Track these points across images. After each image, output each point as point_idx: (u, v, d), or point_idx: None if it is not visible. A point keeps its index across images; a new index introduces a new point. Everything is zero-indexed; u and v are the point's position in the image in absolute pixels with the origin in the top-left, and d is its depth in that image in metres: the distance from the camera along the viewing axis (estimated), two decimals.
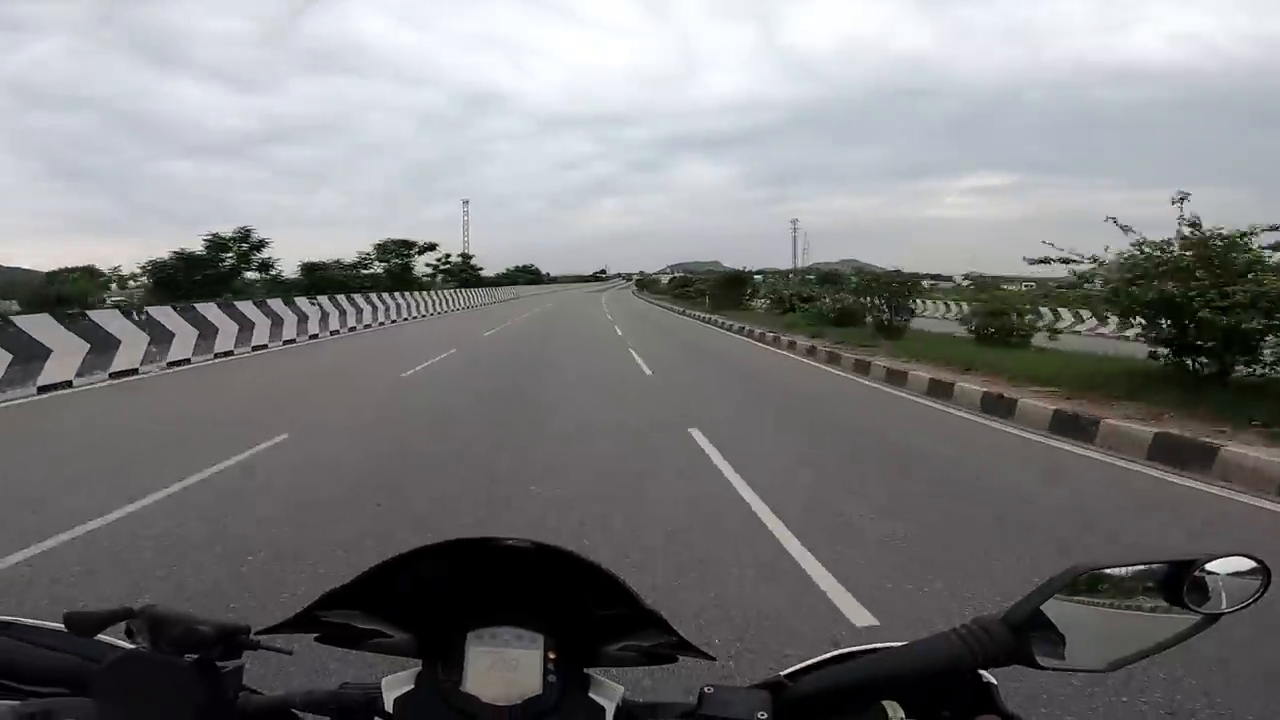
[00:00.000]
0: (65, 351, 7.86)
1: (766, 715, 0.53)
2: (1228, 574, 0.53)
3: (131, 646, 0.55)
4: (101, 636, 0.56)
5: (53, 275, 27.83)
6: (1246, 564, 0.53)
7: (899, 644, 0.56)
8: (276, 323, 12.87)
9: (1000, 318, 12.03)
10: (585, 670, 0.59)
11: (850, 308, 15.38)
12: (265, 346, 12.05)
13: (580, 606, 0.58)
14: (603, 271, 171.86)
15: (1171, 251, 6.41)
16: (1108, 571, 0.53)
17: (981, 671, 0.55)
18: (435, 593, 0.58)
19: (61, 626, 0.55)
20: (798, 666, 0.59)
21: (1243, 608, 0.53)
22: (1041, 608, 0.52)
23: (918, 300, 16.36)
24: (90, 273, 31.94)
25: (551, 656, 0.57)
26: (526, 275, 58.90)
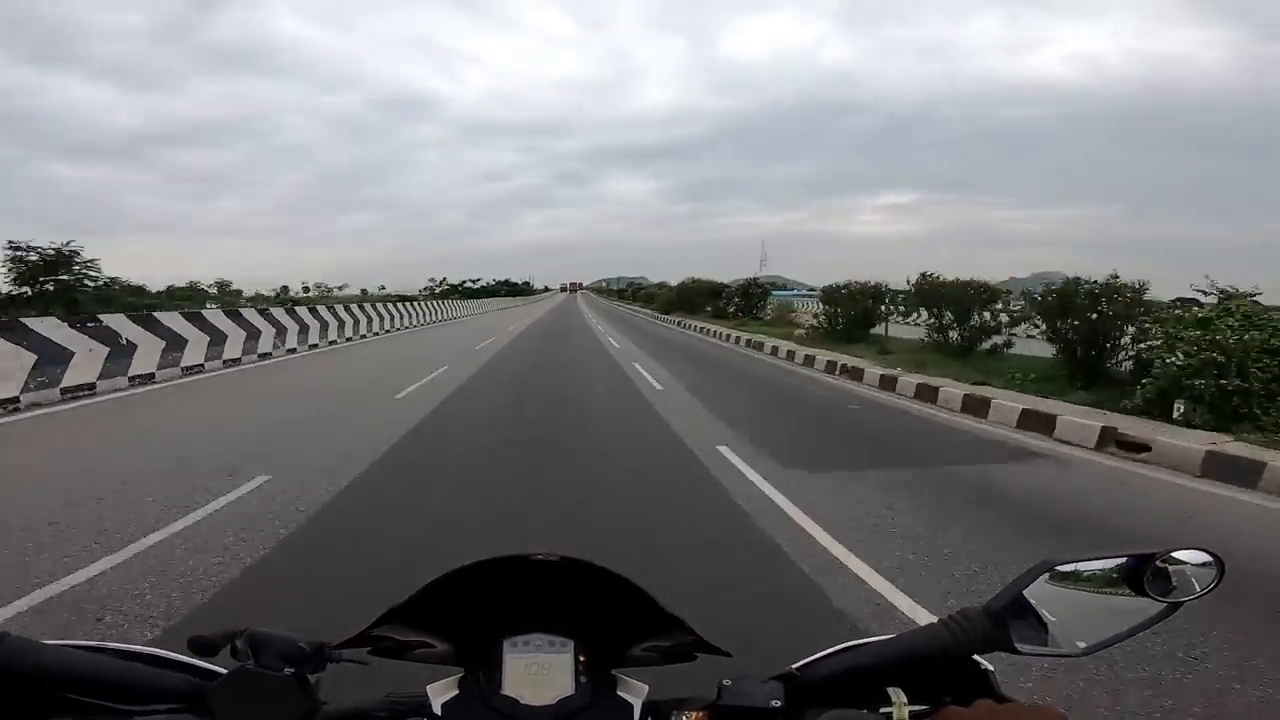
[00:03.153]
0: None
1: (780, 703, 0.60)
2: (1187, 566, 0.60)
3: (204, 664, 0.62)
4: (184, 658, 0.62)
5: None
6: (1203, 556, 0.60)
7: (895, 635, 0.65)
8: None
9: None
10: (612, 672, 0.66)
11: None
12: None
13: (606, 612, 0.65)
14: (527, 283, 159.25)
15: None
16: (1077, 566, 0.61)
17: (979, 659, 0.62)
18: (474, 605, 0.65)
19: (146, 649, 0.63)
20: (809, 659, 0.65)
21: (1201, 596, 0.60)
22: (1020, 598, 0.60)
23: None
24: None
25: (581, 659, 0.64)
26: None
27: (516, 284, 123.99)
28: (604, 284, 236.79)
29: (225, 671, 0.59)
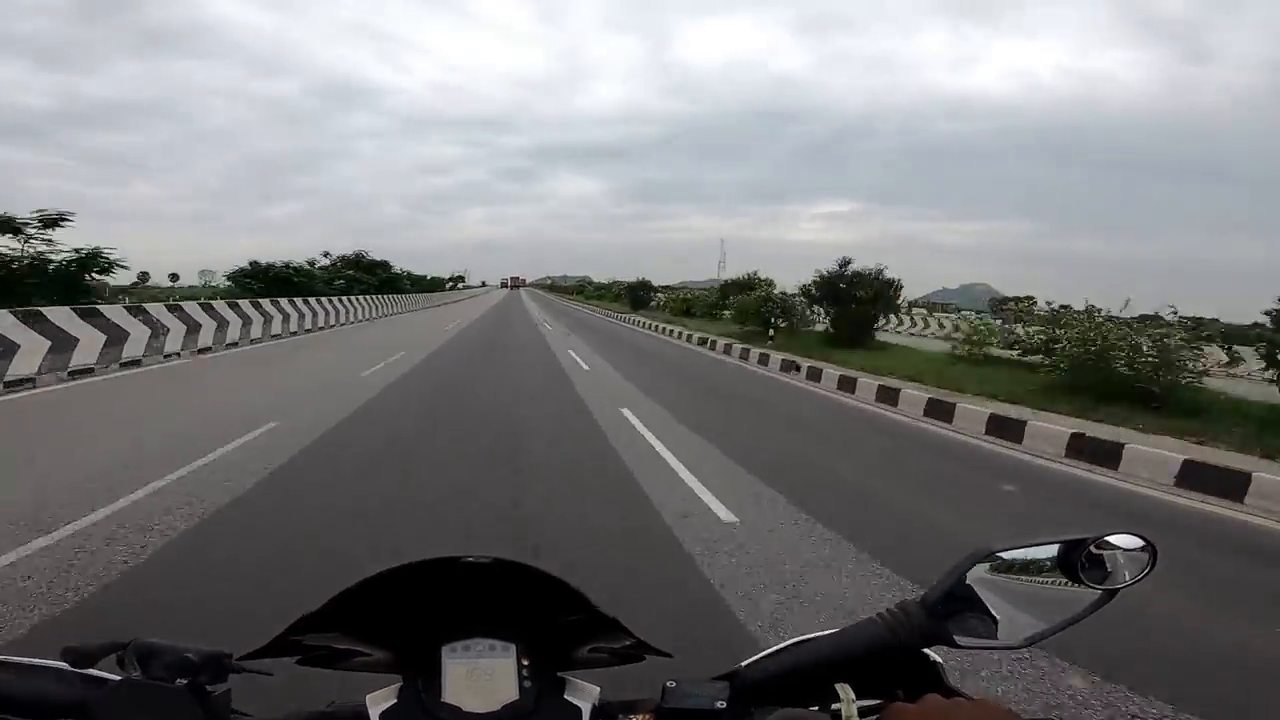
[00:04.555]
0: None
1: (724, 703, 0.61)
2: (1120, 551, 0.60)
3: (96, 673, 0.59)
4: (93, 670, 0.60)
5: None
6: (1135, 541, 0.61)
7: (836, 630, 0.64)
8: None
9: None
10: (559, 674, 0.65)
11: None
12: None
13: (546, 614, 0.63)
14: (460, 277, 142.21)
15: None
16: (1008, 554, 0.61)
17: (927, 651, 0.64)
18: (408, 610, 0.64)
19: (49, 663, 0.60)
20: (756, 658, 0.65)
21: (1136, 582, 0.60)
22: (957, 590, 0.60)
23: None
24: None
25: (525, 663, 0.63)
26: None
27: (395, 272, 45.99)
28: (548, 280, 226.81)
29: (114, 679, 0.57)
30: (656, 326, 26.33)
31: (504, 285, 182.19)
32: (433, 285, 67.25)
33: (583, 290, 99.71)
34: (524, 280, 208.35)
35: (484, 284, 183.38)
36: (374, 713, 0.60)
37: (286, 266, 29.79)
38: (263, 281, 29.01)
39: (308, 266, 38.10)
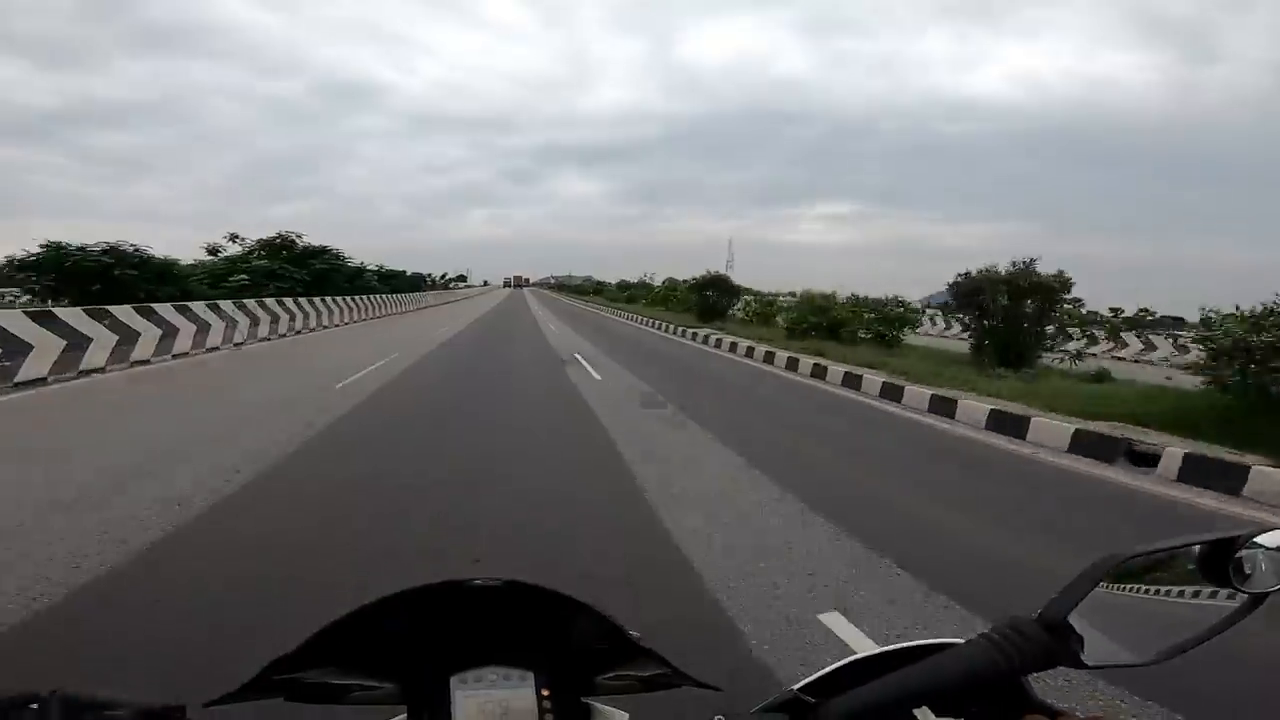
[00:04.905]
0: None
1: None
2: (1264, 550, 0.51)
3: None
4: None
5: None
6: None
7: (917, 644, 0.56)
8: None
9: None
10: (584, 700, 0.58)
11: None
12: None
13: (568, 640, 0.57)
14: (461, 278, 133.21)
15: None
16: (1143, 558, 0.52)
17: None
18: (413, 639, 0.57)
19: None
20: (810, 679, 0.58)
21: None
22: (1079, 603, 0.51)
23: None
24: None
25: (545, 693, 0.56)
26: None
27: (348, 264, 31.42)
28: (551, 280, 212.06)
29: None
30: (825, 371, 11.67)
31: (506, 285, 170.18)
32: (413, 284, 52.53)
33: (601, 290, 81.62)
34: (527, 280, 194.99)
35: (486, 283, 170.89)
36: None
37: (107, 251, 15.87)
38: (53, 277, 15.56)
39: (208, 256, 25.26)
